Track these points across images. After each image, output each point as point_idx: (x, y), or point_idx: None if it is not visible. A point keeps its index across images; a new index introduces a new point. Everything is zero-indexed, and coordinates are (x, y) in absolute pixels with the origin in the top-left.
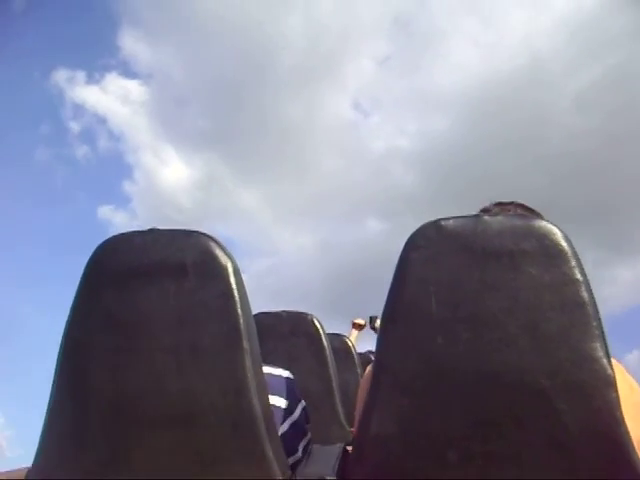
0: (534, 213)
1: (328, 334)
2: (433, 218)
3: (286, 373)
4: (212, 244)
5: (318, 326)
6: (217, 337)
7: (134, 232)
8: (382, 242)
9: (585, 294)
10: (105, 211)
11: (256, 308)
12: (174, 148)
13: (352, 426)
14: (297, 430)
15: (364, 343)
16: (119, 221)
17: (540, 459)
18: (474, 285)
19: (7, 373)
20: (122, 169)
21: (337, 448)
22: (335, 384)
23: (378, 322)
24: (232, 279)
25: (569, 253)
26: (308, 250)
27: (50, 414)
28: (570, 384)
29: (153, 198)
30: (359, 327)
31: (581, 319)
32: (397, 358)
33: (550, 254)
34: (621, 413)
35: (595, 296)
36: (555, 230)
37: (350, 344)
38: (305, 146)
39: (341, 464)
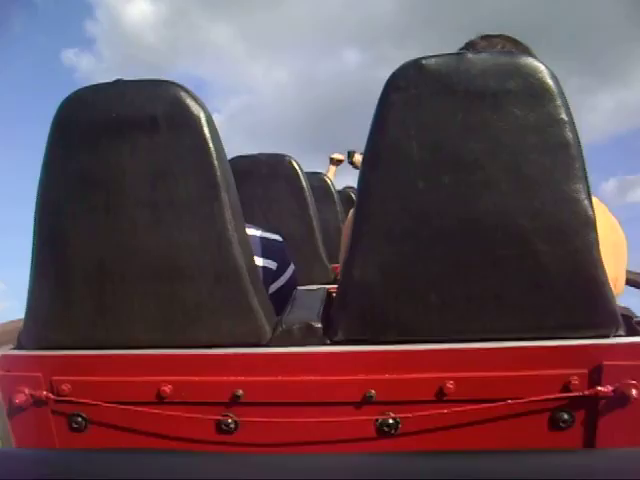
0: (522, 47)
1: (306, 173)
2: (414, 46)
3: (277, 237)
4: (182, 93)
5: (296, 167)
6: (194, 190)
7: (99, 85)
8: (361, 73)
9: (569, 134)
10: (69, 55)
11: (233, 149)
12: None
13: (334, 263)
14: (287, 290)
15: (344, 177)
16: (85, 65)
17: (519, 299)
18: (456, 127)
19: None
20: (82, 8)
21: (321, 292)
22: (316, 224)
23: (356, 157)
24: (206, 129)
25: (555, 92)
26: (284, 86)
27: (34, 276)
28: (550, 225)
29: (118, 38)
30: (337, 162)
31: (564, 160)
32: (378, 203)
33: (535, 93)
34: (598, 253)
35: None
36: (541, 68)
37: (329, 182)
38: None
39: (325, 308)
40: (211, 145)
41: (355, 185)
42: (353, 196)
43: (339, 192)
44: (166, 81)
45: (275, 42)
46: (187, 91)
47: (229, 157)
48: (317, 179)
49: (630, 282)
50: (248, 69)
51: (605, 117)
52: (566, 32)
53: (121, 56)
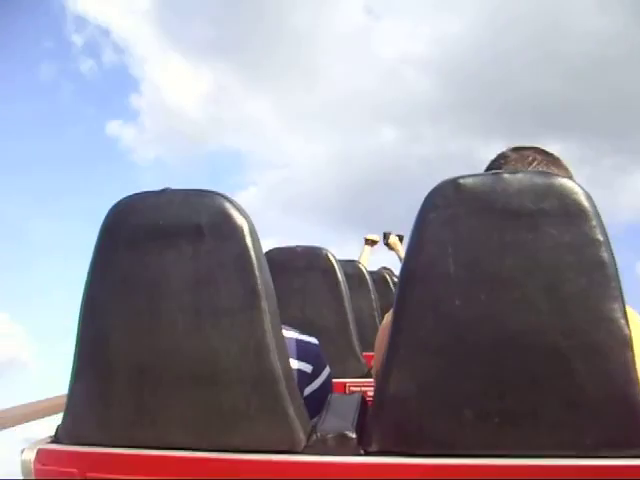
0: (552, 157)
1: (341, 261)
2: (448, 124)
3: (313, 340)
4: (227, 204)
5: (332, 260)
6: (235, 298)
7: (147, 192)
8: (398, 150)
9: (605, 254)
10: (113, 126)
11: (268, 221)
12: (181, 58)
13: (366, 350)
14: (322, 393)
15: (378, 260)
16: (128, 136)
17: (555, 418)
18: (493, 246)
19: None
20: (128, 82)
21: (355, 399)
22: (350, 317)
23: (392, 237)
24: (248, 239)
25: (590, 212)
26: (321, 160)
27: (75, 376)
28: (587, 345)
29: (161, 111)
30: (372, 243)
31: (600, 280)
32: (415, 318)
33: (570, 213)
34: (635, 372)
35: (609, 236)
36: (576, 189)
37: (363, 269)
38: (315, 53)
39: (360, 417)
40: (252, 254)
41: (389, 265)
42: (388, 277)
43: (374, 273)
44: (212, 191)
45: (311, 119)
46: (231, 201)
47: (265, 237)
48: (351, 266)
49: None
50: (285, 143)
51: None
52: (599, 109)
53: (163, 128)
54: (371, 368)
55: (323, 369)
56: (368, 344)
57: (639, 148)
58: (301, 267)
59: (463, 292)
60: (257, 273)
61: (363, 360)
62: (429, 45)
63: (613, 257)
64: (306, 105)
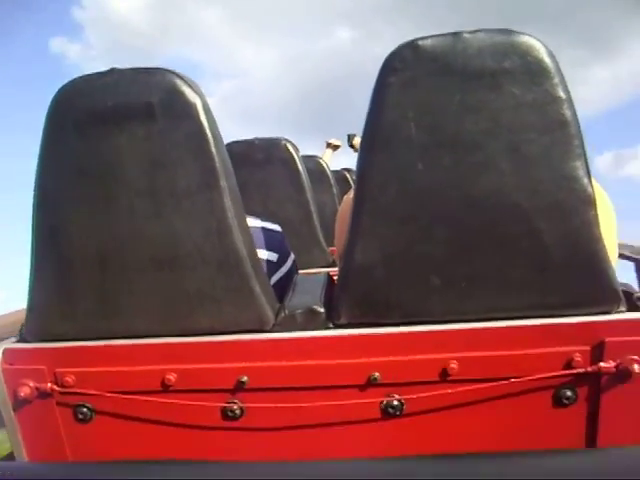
0: None
1: (302, 156)
2: (406, 23)
3: (276, 227)
4: (178, 81)
5: (292, 151)
6: (193, 178)
7: (93, 74)
8: (354, 51)
9: (568, 112)
10: (58, 44)
11: (226, 132)
12: None
13: (330, 246)
14: (288, 280)
15: (340, 159)
16: (74, 54)
17: (521, 280)
18: (454, 108)
19: None
20: None
21: (322, 276)
22: (313, 208)
23: (356, 140)
24: (203, 116)
25: (552, 70)
26: (276, 68)
27: (34, 268)
28: (550, 204)
29: (106, 24)
30: (334, 147)
31: (563, 139)
32: (377, 186)
33: (533, 72)
34: (599, 230)
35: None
36: (538, 45)
37: (324, 165)
38: None
39: (327, 292)
40: (209, 132)
41: (351, 167)
42: (349, 177)
43: (335, 172)
44: (161, 69)
45: (264, 25)
46: (183, 78)
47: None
48: (313, 162)
49: (620, 255)
50: (238, 51)
51: (599, 90)
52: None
53: (110, 42)
54: (335, 259)
55: (288, 257)
56: (331, 238)
57: (598, 43)
58: (260, 159)
59: (425, 156)
60: (214, 151)
61: (328, 250)
62: None
63: (575, 115)
64: (257, 11)
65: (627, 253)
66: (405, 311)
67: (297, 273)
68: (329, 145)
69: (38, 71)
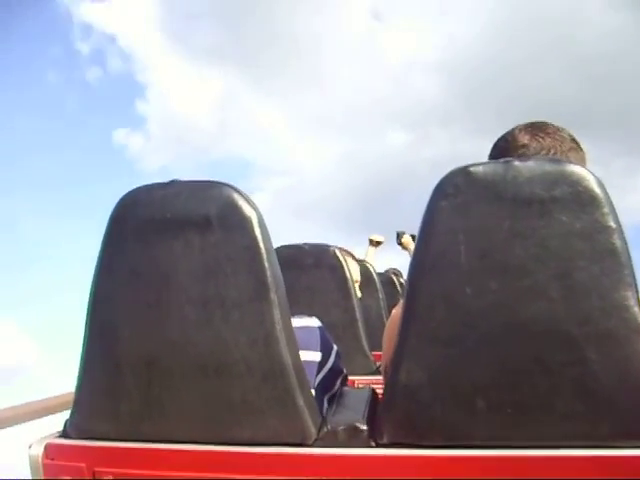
0: (571, 145)
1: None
2: (459, 125)
3: (314, 322)
4: (235, 195)
5: (340, 257)
6: (244, 289)
7: (155, 184)
8: (406, 154)
9: (617, 241)
10: (120, 134)
11: (276, 226)
12: (187, 64)
13: (374, 350)
14: (334, 374)
15: (391, 261)
16: (135, 144)
17: (568, 408)
18: (503, 234)
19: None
20: (134, 89)
21: (366, 392)
22: (358, 314)
23: (405, 237)
24: (257, 230)
25: (602, 199)
26: (329, 166)
27: (83, 370)
28: (600, 333)
29: (168, 117)
30: (376, 244)
31: (612, 267)
32: (425, 307)
33: (582, 200)
34: None
35: (626, 242)
36: (588, 175)
37: (371, 269)
38: (323, 58)
39: (371, 409)
40: (262, 245)
41: (397, 266)
42: (394, 279)
43: (381, 274)
44: (220, 182)
45: (319, 125)
46: (239, 192)
47: (275, 242)
48: (360, 266)
49: None
50: (293, 149)
51: None
52: (610, 110)
53: (169, 136)
54: (379, 366)
55: (331, 351)
56: (376, 343)
57: None
58: (309, 264)
59: (474, 281)
60: (266, 264)
61: (372, 357)
62: (437, 49)
63: (626, 244)
64: (314, 111)
65: None
66: (448, 434)
67: (342, 366)
68: (372, 242)
69: (102, 160)
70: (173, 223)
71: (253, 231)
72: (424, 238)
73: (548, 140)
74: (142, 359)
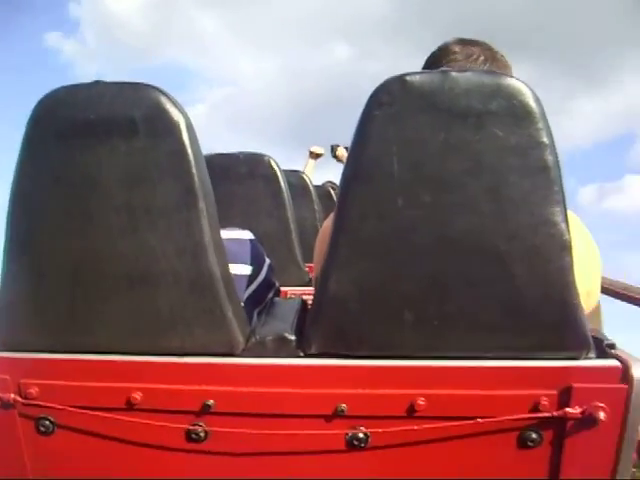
0: (499, 55)
1: (284, 170)
2: (403, 42)
3: (246, 234)
4: (163, 98)
5: (275, 167)
6: (171, 197)
7: (78, 85)
8: (350, 67)
9: (550, 157)
10: (53, 38)
11: (214, 137)
12: None
13: (308, 262)
14: (264, 289)
15: (325, 171)
16: (68, 49)
17: (493, 321)
18: (438, 146)
19: None
20: None
21: (296, 303)
22: (293, 226)
23: (339, 150)
24: (185, 135)
25: (537, 114)
26: (271, 78)
27: (5, 277)
28: (527, 248)
29: (103, 21)
30: (316, 156)
31: (543, 183)
32: (356, 218)
33: (517, 115)
34: (573, 277)
35: (559, 159)
36: (525, 89)
37: (307, 180)
38: None
39: (300, 320)
40: (190, 151)
41: (335, 180)
42: (332, 192)
43: (318, 187)
44: (147, 85)
45: (263, 37)
46: (167, 96)
47: (209, 152)
48: (295, 177)
49: (603, 289)
50: (235, 60)
51: (588, 123)
52: (554, 33)
53: (105, 40)
54: (312, 277)
55: (263, 265)
56: (310, 256)
57: (591, 74)
58: (243, 173)
59: (406, 192)
60: (194, 171)
61: (305, 269)
62: None
63: (557, 160)
64: (258, 21)
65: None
66: (376, 345)
67: (274, 279)
68: (312, 154)
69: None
70: (97, 126)
71: (181, 136)
72: (357, 147)
73: (477, 49)
74: (66, 268)
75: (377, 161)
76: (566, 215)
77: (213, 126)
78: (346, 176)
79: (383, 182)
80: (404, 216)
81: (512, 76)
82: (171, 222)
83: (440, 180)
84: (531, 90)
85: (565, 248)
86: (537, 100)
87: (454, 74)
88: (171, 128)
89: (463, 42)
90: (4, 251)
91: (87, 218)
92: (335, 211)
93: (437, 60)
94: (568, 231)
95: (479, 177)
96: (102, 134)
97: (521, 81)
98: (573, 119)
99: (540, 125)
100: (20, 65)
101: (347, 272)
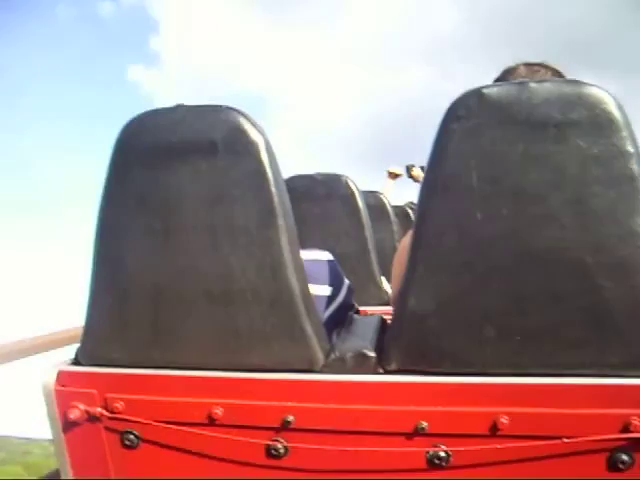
0: (563, 77)
1: (363, 191)
2: (479, 60)
3: (325, 255)
4: (242, 119)
5: (353, 187)
6: (251, 215)
7: (160, 109)
8: (427, 87)
9: (635, 167)
10: (135, 71)
11: (292, 162)
12: None
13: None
14: (344, 310)
15: (404, 192)
16: (149, 80)
17: (578, 336)
18: (517, 158)
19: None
20: (148, 24)
21: (375, 320)
22: (371, 245)
23: (415, 170)
24: (264, 155)
25: (620, 123)
26: (348, 100)
27: (92, 299)
28: (613, 261)
29: (182, 53)
30: (394, 176)
31: (629, 193)
32: (435, 233)
33: (600, 124)
34: None
35: None
36: (607, 98)
37: (385, 200)
38: None
39: (380, 336)
40: (269, 170)
41: (414, 200)
42: (410, 212)
43: (397, 207)
44: (226, 107)
45: (338, 58)
46: (246, 117)
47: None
48: (373, 197)
49: None
50: (312, 85)
51: None
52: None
53: (185, 72)
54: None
55: (342, 286)
56: (389, 275)
57: None
58: (321, 194)
59: (486, 206)
60: (273, 190)
61: (384, 287)
62: None
63: None
64: (332, 45)
65: None
66: (457, 361)
67: (353, 301)
68: (390, 174)
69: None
70: (179, 148)
71: (260, 156)
72: (435, 162)
73: (543, 69)
74: (150, 286)
75: (455, 175)
76: None
77: (292, 150)
78: (424, 191)
79: (462, 196)
80: (484, 230)
81: (593, 84)
82: (251, 240)
83: (520, 193)
84: (613, 98)
85: None
86: (620, 108)
87: (532, 84)
88: (250, 148)
89: (529, 64)
90: (91, 269)
91: (170, 237)
92: (414, 227)
93: (503, 79)
94: None
95: (561, 189)
96: (184, 155)
97: (603, 89)
98: None
99: (624, 134)
100: (106, 98)
101: (426, 287)
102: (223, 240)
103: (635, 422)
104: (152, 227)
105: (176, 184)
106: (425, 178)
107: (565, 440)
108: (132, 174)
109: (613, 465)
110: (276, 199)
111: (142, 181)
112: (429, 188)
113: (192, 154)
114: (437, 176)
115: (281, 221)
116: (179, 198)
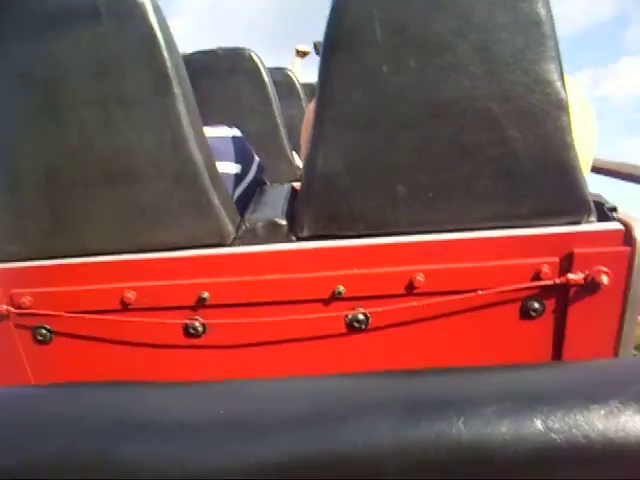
0: None
1: (269, 68)
2: None
3: (232, 131)
4: None
5: (257, 61)
6: (144, 84)
7: None
8: None
9: (542, 11)
10: None
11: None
12: None
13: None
14: (254, 187)
15: (314, 70)
16: None
17: (489, 189)
18: (421, 4)
19: None
20: None
21: (285, 189)
22: (280, 120)
23: None
24: (152, 17)
25: None
26: None
27: None
28: (522, 109)
29: None
30: (302, 54)
31: (536, 39)
32: (340, 90)
33: None
34: (571, 137)
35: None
36: None
37: (293, 77)
38: None
39: (290, 205)
40: (159, 34)
41: None
42: None
43: (307, 85)
44: None
45: None
46: None
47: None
48: (281, 74)
49: (594, 169)
50: None
51: (579, 6)
52: None
53: None
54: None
55: (251, 163)
56: (300, 152)
57: None
58: (223, 69)
59: (391, 58)
60: (166, 55)
61: (295, 163)
62: None
63: (551, 14)
64: None
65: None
66: (370, 222)
67: (264, 178)
68: (298, 52)
69: None
70: (57, 15)
71: (148, 18)
72: (335, 14)
73: None
74: (43, 171)
75: (358, 27)
76: (562, 73)
77: (196, 39)
78: (326, 46)
79: (366, 49)
80: (390, 83)
81: None
82: (147, 112)
83: (426, 42)
84: None
85: (562, 107)
86: None
87: None
88: (136, 10)
89: None
90: None
91: (58, 116)
92: (317, 86)
93: None
94: (565, 89)
95: (467, 36)
96: (63, 23)
97: None
98: (565, 3)
99: None
100: None
101: (334, 148)
102: (116, 114)
103: (545, 270)
104: (37, 106)
105: (59, 57)
106: (326, 32)
107: (480, 292)
108: (7, 48)
109: (526, 313)
110: (169, 65)
111: (19, 55)
112: (331, 42)
113: (72, 21)
114: (338, 29)
115: (177, 89)
116: (64, 72)
